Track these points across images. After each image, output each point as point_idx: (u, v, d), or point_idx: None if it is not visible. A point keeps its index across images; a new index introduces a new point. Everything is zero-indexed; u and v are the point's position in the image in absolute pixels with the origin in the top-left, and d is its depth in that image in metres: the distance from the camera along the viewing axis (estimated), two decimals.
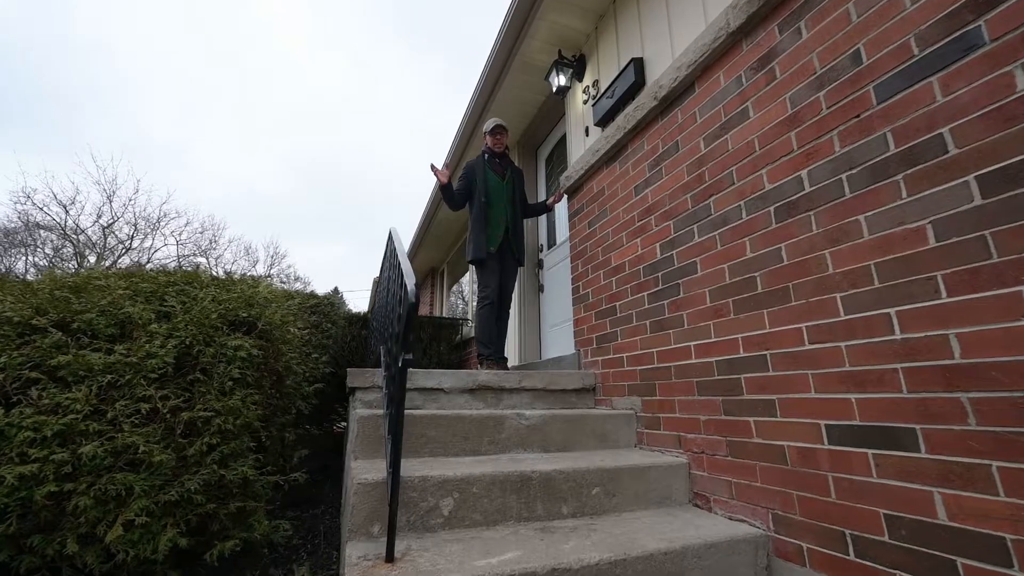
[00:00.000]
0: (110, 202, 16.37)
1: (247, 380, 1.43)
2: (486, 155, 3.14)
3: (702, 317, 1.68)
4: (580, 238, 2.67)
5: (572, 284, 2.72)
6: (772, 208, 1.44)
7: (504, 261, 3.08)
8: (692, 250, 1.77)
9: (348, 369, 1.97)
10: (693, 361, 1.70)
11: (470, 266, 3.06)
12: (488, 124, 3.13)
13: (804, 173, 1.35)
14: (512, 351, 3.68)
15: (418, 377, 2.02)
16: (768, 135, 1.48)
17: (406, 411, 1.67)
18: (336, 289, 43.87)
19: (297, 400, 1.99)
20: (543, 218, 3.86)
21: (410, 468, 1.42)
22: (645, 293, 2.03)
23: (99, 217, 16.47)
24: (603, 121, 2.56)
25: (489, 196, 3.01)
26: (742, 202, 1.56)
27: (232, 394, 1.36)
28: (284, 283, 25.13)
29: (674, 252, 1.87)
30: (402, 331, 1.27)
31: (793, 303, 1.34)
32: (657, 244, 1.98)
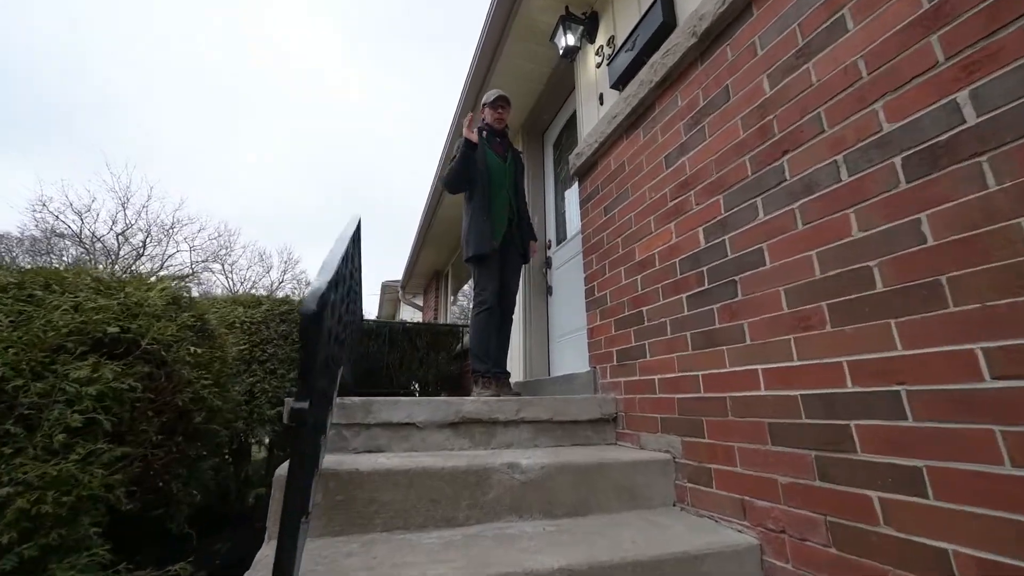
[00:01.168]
0: (124, 209, 16.43)
1: (104, 427, 0.97)
2: (484, 133, 2.65)
3: (776, 329, 1.16)
4: (594, 228, 2.16)
5: (586, 285, 2.21)
6: (899, 159, 0.92)
7: (507, 258, 2.58)
8: (754, 233, 1.25)
9: (286, 399, 1.50)
10: (763, 393, 1.18)
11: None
12: (489, 95, 2.64)
13: (963, 96, 0.83)
14: (515, 366, 3.17)
15: (382, 409, 1.53)
16: (887, 48, 0.96)
17: (355, 458, 1.17)
18: None
19: (220, 438, 1.52)
20: (551, 209, 3.36)
21: (339, 563, 0.93)
22: (684, 295, 1.51)
23: (113, 224, 16.55)
24: (621, 80, 2.05)
25: (491, 180, 2.52)
26: (839, 156, 1.04)
27: (67, 453, 0.89)
28: (296, 289, 25.06)
29: (726, 238, 1.35)
30: (303, 361, 0.78)
31: (953, 309, 0.81)
32: (699, 229, 1.46)
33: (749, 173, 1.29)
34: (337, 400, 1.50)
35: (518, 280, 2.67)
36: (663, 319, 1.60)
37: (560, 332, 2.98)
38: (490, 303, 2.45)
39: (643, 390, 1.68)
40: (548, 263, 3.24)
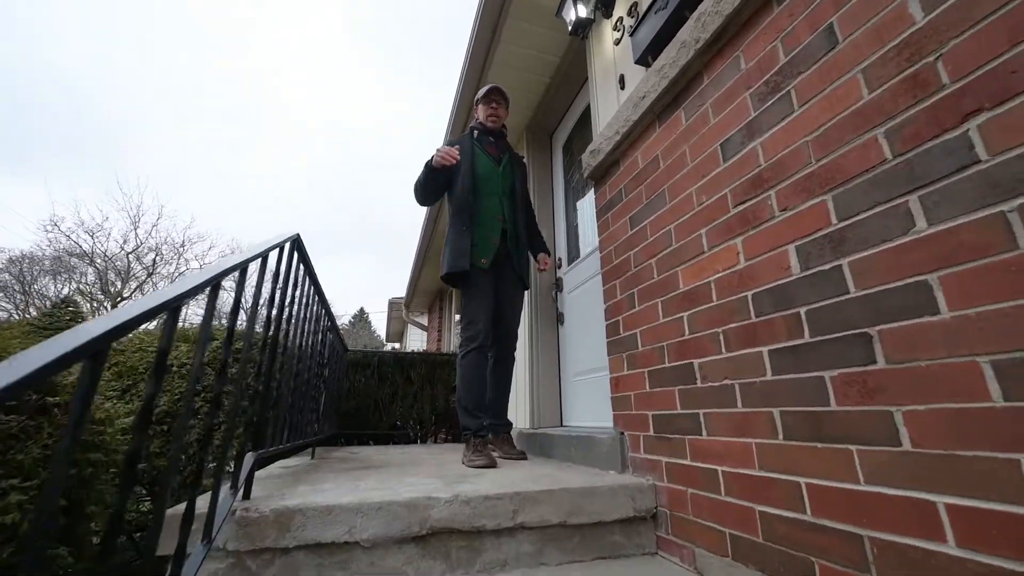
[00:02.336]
0: (135, 229, 16.48)
1: None
2: (475, 132, 2.20)
3: (970, 434, 0.63)
4: (617, 245, 1.65)
5: (607, 319, 1.69)
6: None
7: (502, 281, 2.09)
8: (907, 255, 0.73)
9: None
10: (953, 552, 0.64)
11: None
12: (481, 90, 2.20)
13: None
14: (520, 412, 2.65)
15: (309, 521, 1.02)
16: None
17: None
18: (362, 310, 43.88)
19: None
20: (560, 222, 2.86)
21: None
22: (764, 348, 0.98)
23: (124, 243, 16.60)
24: (650, 50, 1.56)
25: (476, 183, 2.06)
26: None
27: None
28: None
29: (843, 262, 0.83)
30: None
31: None
32: (789, 247, 0.95)
33: (888, 155, 0.77)
34: (240, 506, 1.00)
35: (519, 310, 2.16)
36: (728, 381, 1.08)
37: (575, 370, 2.45)
38: (480, 340, 1.94)
39: (699, 482, 1.14)
40: (559, 285, 2.73)
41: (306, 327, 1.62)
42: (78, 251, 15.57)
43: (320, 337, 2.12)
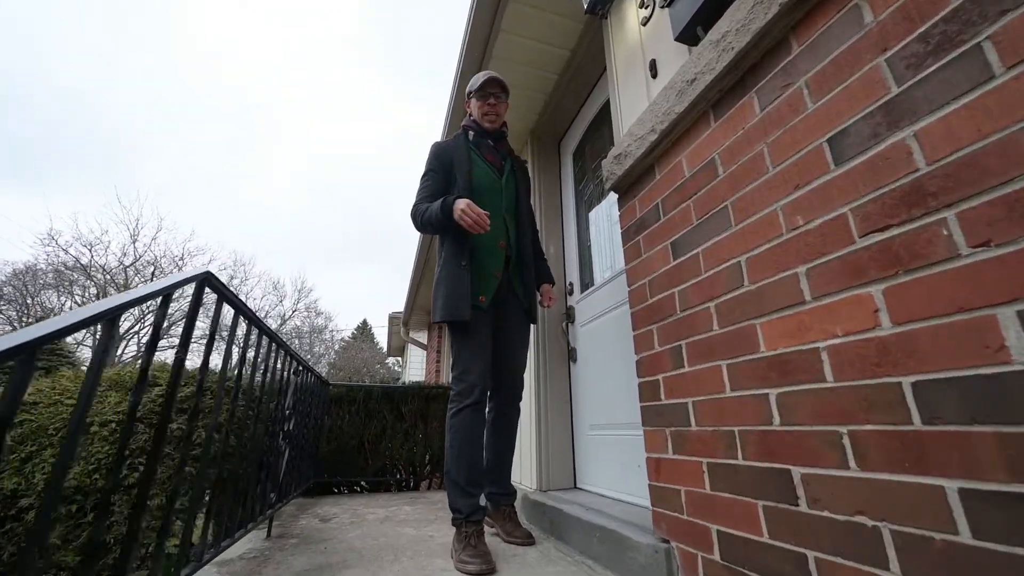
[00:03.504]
0: (134, 242, 16.28)
1: None
2: (470, 133, 1.78)
3: None
4: (654, 278, 1.25)
5: (640, 376, 1.28)
6: None
7: (504, 317, 1.69)
8: None
9: None
10: None
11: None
12: (474, 80, 1.79)
13: None
14: (523, 470, 2.22)
15: None
16: None
17: None
18: (365, 322, 43.48)
19: None
20: (571, 241, 2.46)
21: None
22: (947, 483, 0.57)
23: (123, 255, 16.38)
24: (700, 21, 1.17)
25: (477, 200, 1.61)
26: None
27: None
28: (307, 319, 24.61)
29: None
30: None
31: None
32: (1005, 310, 0.54)
33: None
34: None
35: (525, 349, 1.75)
36: (867, 520, 0.66)
37: (592, 421, 2.03)
38: (476, 396, 1.52)
39: None
40: (569, 315, 2.32)
41: (242, 384, 1.22)
42: (76, 265, 15.34)
43: (284, 385, 1.72)
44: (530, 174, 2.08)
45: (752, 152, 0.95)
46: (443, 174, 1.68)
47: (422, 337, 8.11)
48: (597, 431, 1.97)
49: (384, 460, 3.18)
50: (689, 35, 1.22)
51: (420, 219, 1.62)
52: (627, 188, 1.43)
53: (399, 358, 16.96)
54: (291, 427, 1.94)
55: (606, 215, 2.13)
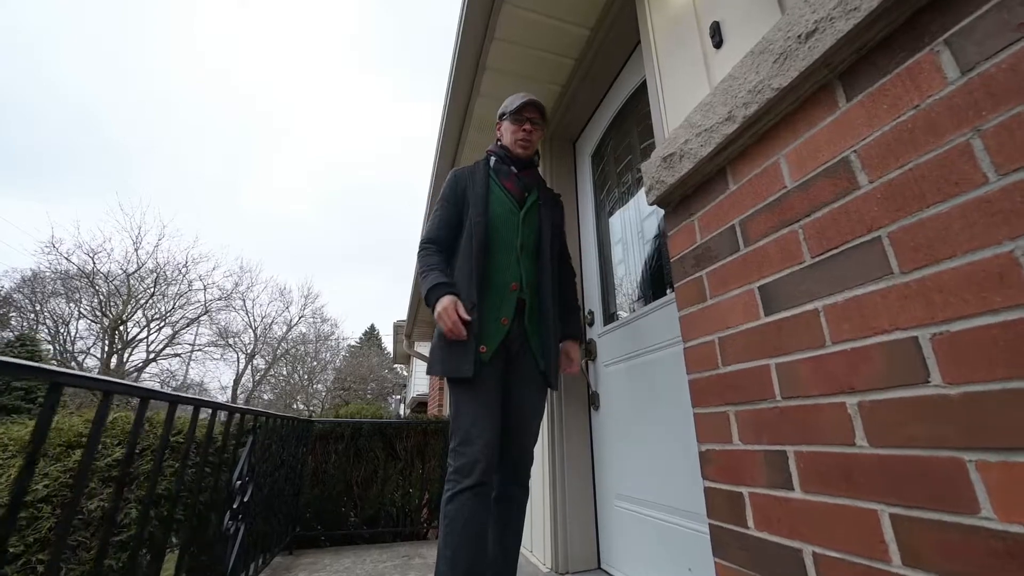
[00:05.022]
0: (136, 250, 16.18)
1: None
2: (492, 160, 1.52)
3: None
4: (727, 338, 0.84)
5: (708, 479, 0.87)
6: None
7: (515, 374, 1.36)
8: None
9: None
10: None
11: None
12: (511, 101, 1.52)
13: None
14: (533, 543, 1.82)
15: None
16: None
17: None
18: (372, 327, 43.28)
19: None
20: (590, 259, 2.05)
21: None
22: None
23: (127, 263, 16.28)
24: None
25: (488, 236, 1.37)
26: None
27: None
28: (313, 325, 24.44)
29: None
30: None
31: None
32: None
33: None
34: None
35: (538, 419, 1.38)
36: None
37: (618, 490, 1.62)
38: (479, 475, 1.16)
39: None
40: (590, 351, 1.91)
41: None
42: (79, 273, 15.27)
43: (235, 451, 1.34)
44: (560, 202, 1.72)
45: (940, 146, 0.54)
46: (456, 204, 1.45)
47: (426, 350, 7.74)
48: (626, 504, 1.56)
49: (375, 507, 2.79)
50: None
51: (418, 272, 1.39)
52: (679, 201, 1.03)
53: (405, 365, 16.65)
54: (247, 498, 1.56)
55: (636, 230, 1.73)
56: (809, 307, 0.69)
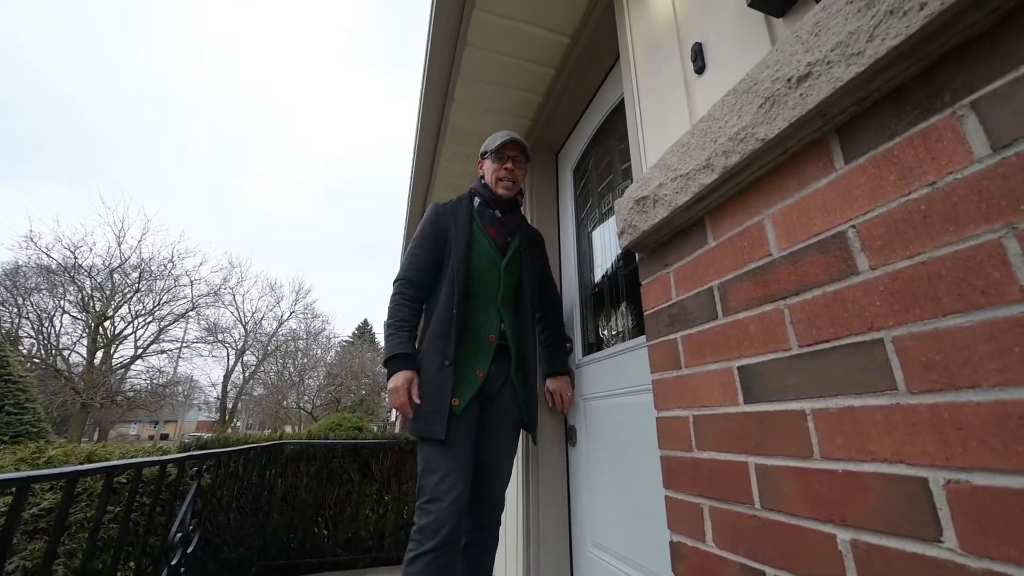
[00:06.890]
0: (119, 244, 15.85)
1: None
2: (476, 201, 1.46)
3: None
4: (705, 419, 0.72)
5: None
6: None
7: (489, 416, 1.33)
8: None
9: None
10: None
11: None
12: (493, 139, 1.49)
13: None
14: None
15: None
16: None
17: None
18: (365, 322, 42.93)
19: None
20: (570, 282, 1.93)
21: None
22: None
23: (111, 258, 15.95)
24: None
25: (470, 283, 1.33)
26: None
27: None
28: (305, 321, 24.21)
29: None
30: None
31: None
32: None
33: None
34: None
35: (511, 460, 1.31)
36: None
37: (596, 538, 1.51)
38: (443, 536, 1.10)
39: None
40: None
41: None
42: (60, 267, 14.93)
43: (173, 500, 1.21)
44: (543, 245, 1.69)
45: (962, 240, 0.42)
46: (435, 245, 1.39)
47: None
48: (602, 554, 1.45)
49: (348, 531, 2.68)
50: None
51: (387, 321, 1.33)
52: (654, 248, 0.91)
53: None
54: (191, 548, 1.43)
55: (619, 255, 1.61)
56: (795, 406, 0.58)
